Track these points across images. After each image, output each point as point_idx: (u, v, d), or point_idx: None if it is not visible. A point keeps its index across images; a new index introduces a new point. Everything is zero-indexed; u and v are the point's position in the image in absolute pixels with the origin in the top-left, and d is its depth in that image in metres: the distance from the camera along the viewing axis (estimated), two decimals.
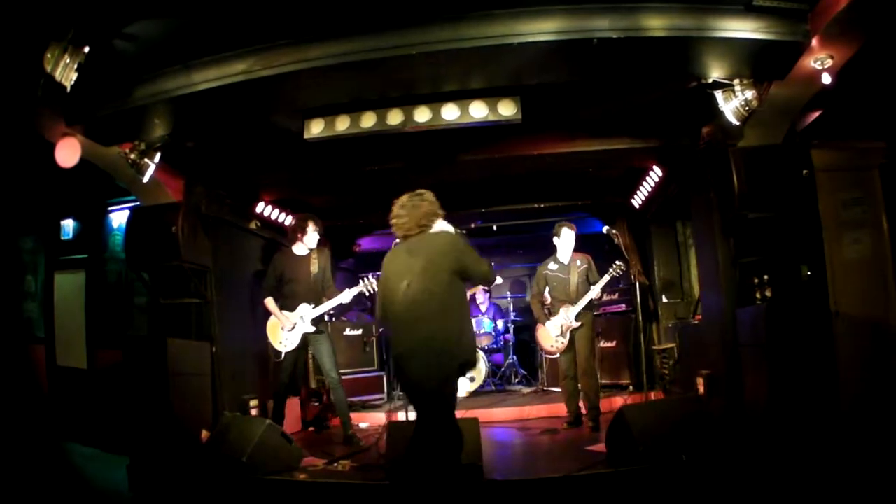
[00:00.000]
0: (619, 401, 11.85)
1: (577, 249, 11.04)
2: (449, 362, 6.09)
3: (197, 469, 8.20)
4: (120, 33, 7.12)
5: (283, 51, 7.43)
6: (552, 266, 11.12)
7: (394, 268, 6.50)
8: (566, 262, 10.99)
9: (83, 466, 10.27)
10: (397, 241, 6.88)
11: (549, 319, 10.95)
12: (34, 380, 12.53)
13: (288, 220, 13.22)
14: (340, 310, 11.32)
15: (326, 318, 10.55)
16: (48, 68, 6.98)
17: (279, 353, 10.33)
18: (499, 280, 14.66)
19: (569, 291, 10.84)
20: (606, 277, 10.67)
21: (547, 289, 11.18)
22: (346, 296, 10.23)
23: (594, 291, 10.66)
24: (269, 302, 10.43)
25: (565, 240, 10.91)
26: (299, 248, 10.62)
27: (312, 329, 10.17)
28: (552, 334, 10.83)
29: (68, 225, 13.21)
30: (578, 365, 10.63)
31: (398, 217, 6.53)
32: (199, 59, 7.68)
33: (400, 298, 6.24)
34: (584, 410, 10.68)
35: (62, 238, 13.22)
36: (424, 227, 6.47)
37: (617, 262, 10.82)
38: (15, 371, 12.31)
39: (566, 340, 10.67)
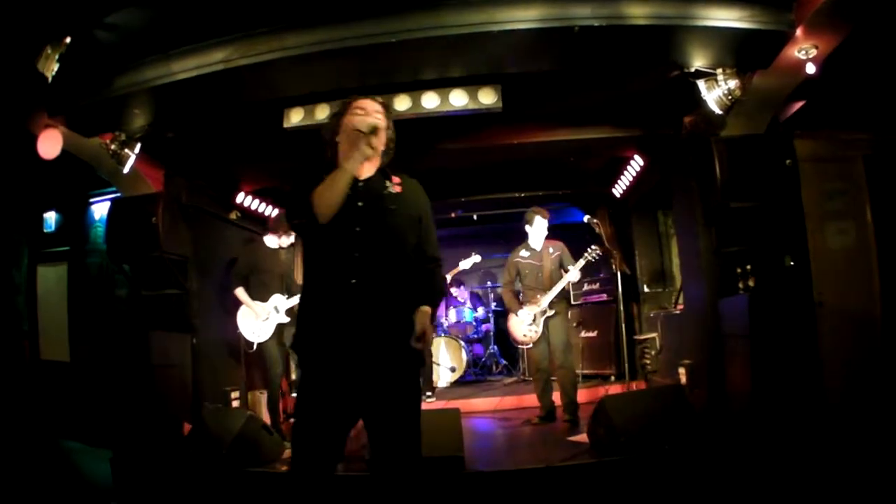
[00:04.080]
0: (601, 391, 11.83)
1: (558, 239, 10.97)
2: None
3: (179, 462, 8.18)
4: (101, 23, 7.07)
5: (261, 39, 7.38)
6: (524, 253, 10.95)
7: None
8: (538, 249, 10.87)
9: (67, 460, 10.22)
10: None
11: (521, 308, 10.73)
12: (23, 373, 12.48)
13: (268, 210, 13.21)
14: None
15: None
16: (30, 59, 6.96)
17: (251, 343, 10.47)
18: (477, 258, 14.70)
19: (541, 279, 10.68)
20: (581, 262, 10.51)
21: (518, 277, 11.01)
22: None
23: (569, 276, 10.45)
24: (241, 292, 10.53)
25: (538, 227, 10.83)
26: (271, 241, 10.79)
27: (288, 319, 10.21)
28: (524, 323, 10.59)
29: (50, 217, 13.14)
30: (554, 356, 10.45)
31: None
32: (179, 49, 7.63)
33: None
34: (559, 404, 10.49)
35: (44, 230, 13.15)
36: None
37: (592, 247, 10.68)
38: (7, 365, 12.26)
39: (539, 330, 10.47)
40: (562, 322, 10.60)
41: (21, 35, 6.89)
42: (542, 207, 10.99)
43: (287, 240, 10.69)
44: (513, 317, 10.83)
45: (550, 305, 10.47)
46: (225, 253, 12.15)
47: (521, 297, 10.97)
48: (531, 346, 10.69)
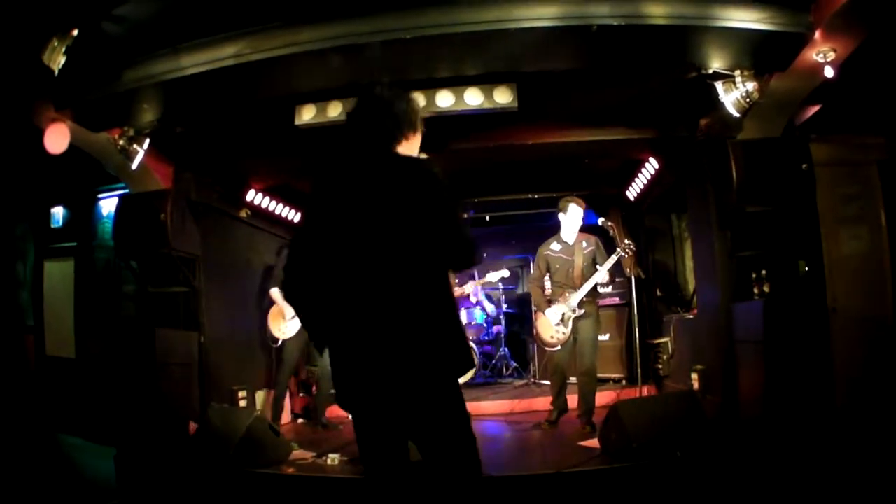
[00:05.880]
0: (612, 395, 11.74)
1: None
2: (441, 347, 4.02)
3: (184, 461, 8.11)
4: (109, 15, 7.00)
5: (273, 34, 7.31)
6: (555, 246, 10.30)
7: (325, 211, 4.20)
8: (570, 243, 10.18)
9: (71, 457, 10.19)
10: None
11: (549, 307, 10.10)
12: (26, 369, 12.45)
13: (279, 207, 13.17)
14: None
15: None
16: (37, 52, 6.90)
17: (276, 339, 10.74)
18: (505, 273, 14.72)
19: (572, 275, 10.01)
20: (614, 258, 9.91)
21: (548, 272, 10.40)
22: None
23: (600, 274, 9.80)
24: (275, 292, 10.84)
25: (572, 216, 10.19)
26: None
27: None
28: (552, 323, 9.97)
29: (58, 212, 13.12)
30: (579, 360, 9.95)
31: (348, 121, 4.45)
32: (189, 43, 7.58)
33: (341, 263, 4.06)
34: (576, 409, 10.02)
35: (52, 226, 13.13)
36: (389, 142, 4.31)
37: (627, 241, 10.11)
38: (8, 360, 12.23)
39: (568, 331, 9.88)
40: (592, 324, 9.98)
41: (28, 27, 6.82)
42: (563, 201, 10.43)
43: None
44: (541, 316, 10.25)
45: (580, 305, 9.86)
46: (235, 251, 12.13)
47: (546, 294, 10.41)
48: (559, 347, 10.08)
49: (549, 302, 10.16)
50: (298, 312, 4.43)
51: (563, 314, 9.91)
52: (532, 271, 10.88)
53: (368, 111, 4.31)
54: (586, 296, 9.87)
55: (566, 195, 10.42)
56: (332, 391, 10.62)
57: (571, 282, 9.98)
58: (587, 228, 10.38)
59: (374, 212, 3.99)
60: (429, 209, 3.97)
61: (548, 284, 10.49)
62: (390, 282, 3.94)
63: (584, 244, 10.13)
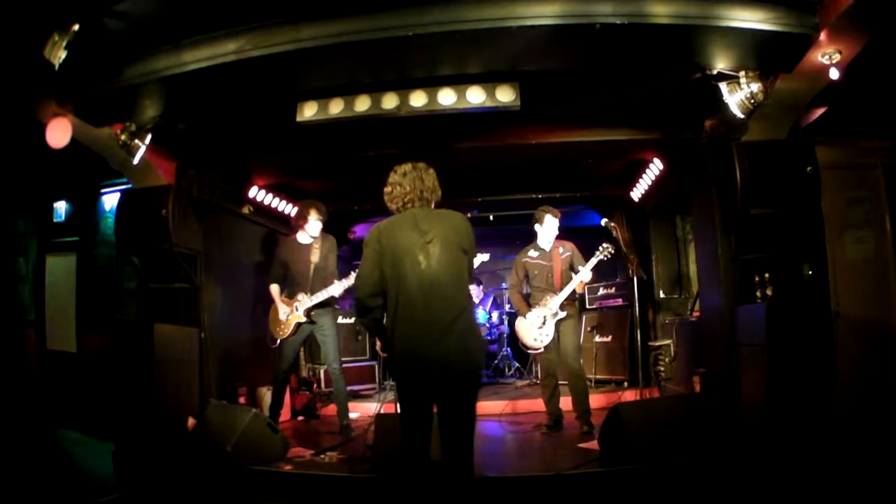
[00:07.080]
0: (613, 397, 11.69)
1: (574, 242, 10.49)
2: (478, 344, 5.90)
3: (182, 457, 8.08)
4: (110, 11, 6.97)
5: (275, 30, 7.27)
6: (532, 253, 10.39)
7: (400, 240, 5.72)
8: (547, 249, 10.27)
9: (70, 452, 10.17)
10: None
11: (529, 311, 10.20)
12: (25, 363, 12.44)
13: (281, 205, 13.21)
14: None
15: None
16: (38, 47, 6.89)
17: (275, 339, 10.25)
18: (485, 257, 14.69)
19: (551, 280, 10.12)
20: (593, 260, 9.98)
21: (527, 279, 10.48)
22: (337, 289, 9.94)
23: (581, 276, 9.88)
24: (273, 288, 10.34)
25: (548, 227, 10.22)
26: (302, 237, 10.42)
27: (304, 319, 10.02)
28: (534, 326, 10.03)
29: (60, 207, 13.12)
30: (564, 363, 10.00)
31: (398, 185, 5.99)
32: (190, 38, 7.55)
33: (414, 277, 5.60)
34: (572, 411, 9.99)
35: (54, 220, 13.13)
36: (427, 201, 5.99)
37: (604, 245, 10.16)
38: (8, 354, 12.21)
39: (550, 334, 9.97)
40: (573, 326, 10.12)
41: (29, 21, 6.79)
42: (553, 207, 10.44)
43: (314, 228, 10.34)
44: (521, 320, 10.32)
45: (561, 307, 9.93)
46: (237, 248, 12.16)
47: (529, 300, 10.46)
48: (542, 350, 10.09)
49: (530, 306, 10.25)
50: (371, 316, 5.86)
51: (545, 317, 9.97)
52: (510, 277, 10.90)
53: (412, 182, 6.01)
54: (566, 299, 9.97)
55: (570, 196, 10.46)
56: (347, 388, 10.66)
57: (551, 286, 10.09)
58: (588, 230, 10.40)
59: (437, 245, 5.70)
60: (467, 244, 5.85)
61: (528, 290, 10.59)
62: (449, 293, 5.65)
63: (561, 250, 10.23)
